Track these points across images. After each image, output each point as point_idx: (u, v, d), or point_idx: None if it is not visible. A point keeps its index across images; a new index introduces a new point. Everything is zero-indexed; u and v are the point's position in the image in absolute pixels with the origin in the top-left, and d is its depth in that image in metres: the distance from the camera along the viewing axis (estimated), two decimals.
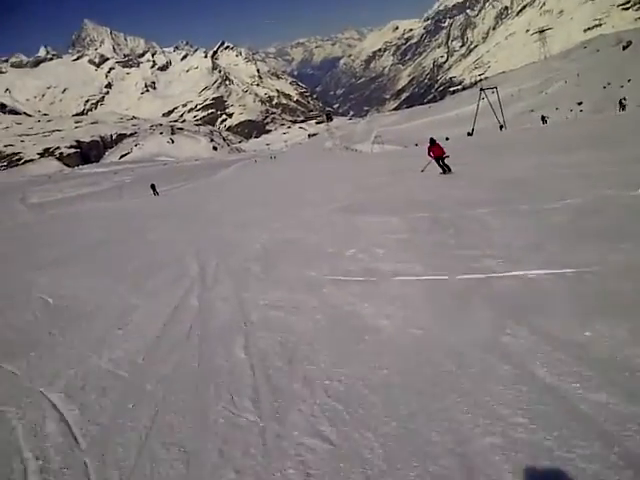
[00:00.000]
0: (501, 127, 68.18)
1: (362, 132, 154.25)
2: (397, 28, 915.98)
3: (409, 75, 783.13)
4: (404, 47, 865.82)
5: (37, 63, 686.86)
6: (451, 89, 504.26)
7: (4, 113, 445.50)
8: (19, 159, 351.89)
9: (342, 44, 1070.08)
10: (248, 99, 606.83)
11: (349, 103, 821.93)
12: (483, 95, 78.76)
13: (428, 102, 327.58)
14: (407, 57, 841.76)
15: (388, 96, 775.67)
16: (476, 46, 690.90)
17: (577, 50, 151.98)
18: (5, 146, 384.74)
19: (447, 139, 67.65)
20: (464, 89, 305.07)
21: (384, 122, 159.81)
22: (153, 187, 49.88)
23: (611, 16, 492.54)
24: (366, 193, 17.93)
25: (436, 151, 21.45)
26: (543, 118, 60.16)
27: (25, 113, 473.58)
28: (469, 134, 69.76)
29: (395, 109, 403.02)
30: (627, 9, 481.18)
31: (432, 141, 21.93)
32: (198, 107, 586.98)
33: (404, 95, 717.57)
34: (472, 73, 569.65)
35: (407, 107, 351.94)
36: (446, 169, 21.15)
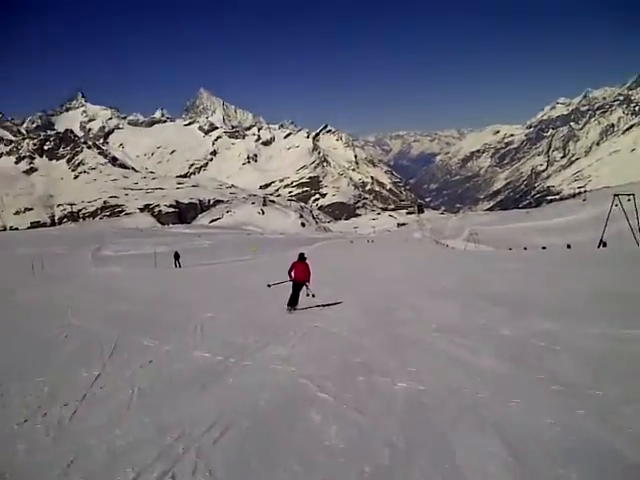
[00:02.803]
0: None
1: (454, 227, 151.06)
2: (498, 132, 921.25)
3: (505, 178, 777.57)
4: (503, 151, 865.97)
5: (152, 123, 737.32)
6: (548, 197, 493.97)
7: (114, 166, 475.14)
8: (121, 211, 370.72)
9: (440, 141, 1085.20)
10: (342, 182, 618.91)
11: (441, 198, 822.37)
12: (616, 202, 60.91)
13: (523, 207, 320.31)
14: (505, 161, 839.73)
15: (482, 196, 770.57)
16: (577, 159, 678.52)
17: None
18: (110, 197, 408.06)
19: (544, 248, 59.27)
20: (562, 199, 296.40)
21: (477, 221, 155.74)
22: (176, 257, 42.47)
23: None
24: None
25: (299, 273, 15.55)
26: None
27: (133, 168, 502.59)
28: (603, 245, 51.92)
29: (489, 210, 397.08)
30: None
31: (301, 257, 16.05)
32: (294, 183, 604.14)
33: (499, 197, 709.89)
34: (572, 185, 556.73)
35: (501, 209, 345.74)
36: (293, 304, 15.34)
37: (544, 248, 58.08)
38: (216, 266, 41.53)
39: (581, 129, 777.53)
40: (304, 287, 15.78)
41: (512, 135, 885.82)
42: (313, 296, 15.75)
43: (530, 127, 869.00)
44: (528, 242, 76.64)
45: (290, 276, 15.73)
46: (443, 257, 47.85)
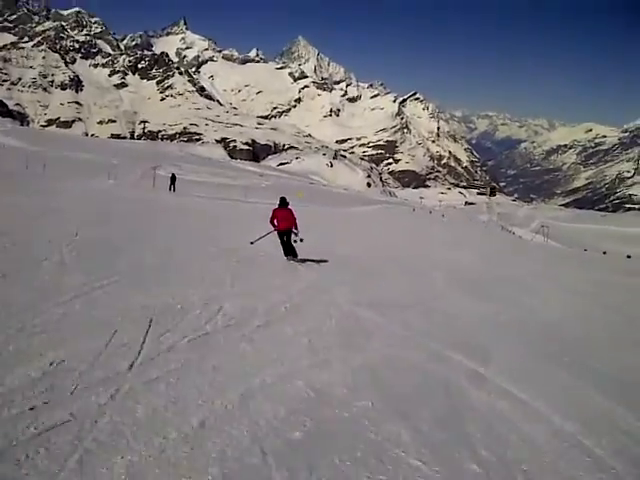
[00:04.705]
0: None
1: (524, 217, 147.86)
2: (590, 130, 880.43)
3: (587, 178, 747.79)
4: (591, 150, 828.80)
5: (245, 61, 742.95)
6: (627, 205, 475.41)
7: (200, 96, 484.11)
8: (198, 139, 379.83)
9: (529, 129, 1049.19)
10: (419, 151, 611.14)
11: (517, 186, 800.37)
12: None
13: (599, 210, 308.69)
14: (591, 161, 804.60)
15: (559, 191, 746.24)
16: None
17: None
18: (190, 124, 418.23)
19: (629, 257, 53.55)
20: None
21: (550, 214, 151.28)
22: (172, 180, 40.45)
23: None
24: None
25: (282, 220, 13.70)
26: None
27: (218, 101, 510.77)
28: None
29: (563, 205, 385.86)
30: None
31: (282, 202, 13.95)
32: (370, 144, 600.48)
33: (575, 196, 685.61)
34: None
35: (576, 207, 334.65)
36: (290, 253, 13.86)
37: (629, 257, 53.03)
38: (234, 204, 36.60)
39: None
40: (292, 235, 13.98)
41: (604, 136, 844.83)
42: (301, 241, 14.11)
43: (626, 132, 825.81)
44: (601, 247, 73.71)
45: (273, 225, 13.94)
46: (514, 249, 38.84)
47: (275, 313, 8.56)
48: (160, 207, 25.93)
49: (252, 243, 14.56)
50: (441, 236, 38.84)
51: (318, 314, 8.90)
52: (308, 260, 14.16)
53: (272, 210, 13.92)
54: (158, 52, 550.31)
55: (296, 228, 13.76)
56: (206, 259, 12.76)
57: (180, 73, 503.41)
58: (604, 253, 55.07)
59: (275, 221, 13.73)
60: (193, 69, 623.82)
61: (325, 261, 14.67)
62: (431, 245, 29.02)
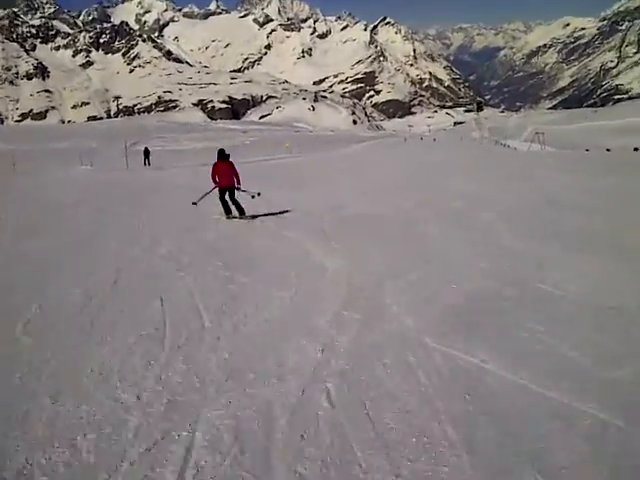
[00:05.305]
0: None
1: (515, 127, 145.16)
2: (568, 25, 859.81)
3: (571, 76, 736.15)
4: (572, 46, 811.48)
5: (207, 16, 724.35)
6: (616, 97, 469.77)
7: (168, 60, 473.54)
8: (175, 106, 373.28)
9: (506, 35, 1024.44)
10: (399, 78, 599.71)
11: (502, 96, 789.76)
12: None
13: (588, 106, 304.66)
14: (573, 57, 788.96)
15: (545, 94, 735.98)
16: None
17: None
18: (164, 92, 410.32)
19: (636, 149, 48.26)
20: (630, 99, 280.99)
21: (540, 120, 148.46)
22: (146, 154, 38.75)
23: None
24: None
25: (224, 176, 12.11)
26: None
27: (187, 63, 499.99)
28: None
29: (551, 108, 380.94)
30: None
31: (221, 154, 12.37)
32: (348, 79, 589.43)
33: (563, 96, 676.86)
34: None
35: (564, 108, 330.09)
36: (233, 211, 12.30)
37: (636, 149, 50.49)
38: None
39: None
40: (236, 192, 12.44)
41: (583, 29, 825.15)
42: (259, 194, 13.28)
43: (604, 20, 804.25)
44: (601, 144, 71.38)
45: (215, 182, 12.33)
46: (523, 164, 32.01)
47: (309, 429, 3.48)
48: (128, 191, 20.47)
49: (195, 204, 13.05)
50: (447, 164, 33.15)
51: (392, 401, 3.85)
52: (259, 216, 12.39)
53: (212, 166, 12.42)
54: (117, 22, 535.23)
55: (239, 182, 12.26)
56: (174, 279, 7.33)
57: (144, 40, 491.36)
58: (608, 150, 52.55)
59: (217, 177, 12.21)
60: (156, 34, 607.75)
61: (287, 211, 12.91)
62: (443, 176, 23.85)
